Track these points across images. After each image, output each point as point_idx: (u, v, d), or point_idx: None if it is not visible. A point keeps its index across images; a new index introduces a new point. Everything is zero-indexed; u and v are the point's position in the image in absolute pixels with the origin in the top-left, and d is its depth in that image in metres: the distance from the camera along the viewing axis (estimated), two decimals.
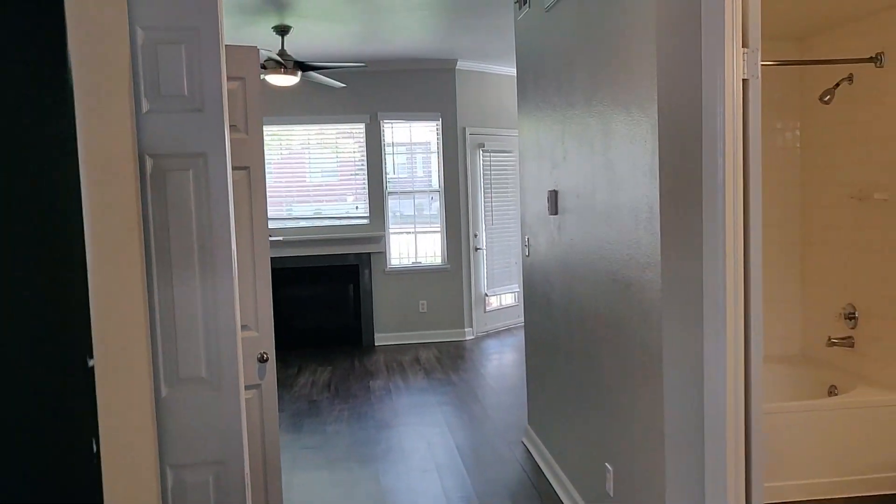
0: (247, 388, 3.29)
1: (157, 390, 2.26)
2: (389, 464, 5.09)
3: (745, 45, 2.70)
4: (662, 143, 2.78)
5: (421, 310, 9.25)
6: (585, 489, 3.97)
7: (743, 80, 2.70)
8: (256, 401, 3.30)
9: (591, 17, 3.58)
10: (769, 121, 5.11)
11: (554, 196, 4.33)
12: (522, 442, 5.43)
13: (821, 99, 4.69)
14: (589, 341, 3.80)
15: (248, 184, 3.13)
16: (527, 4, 4.81)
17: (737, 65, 2.68)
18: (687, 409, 2.87)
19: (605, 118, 3.41)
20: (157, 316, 2.28)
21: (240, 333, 2.45)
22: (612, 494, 3.54)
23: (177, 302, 2.30)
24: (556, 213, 4.34)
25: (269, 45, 7.36)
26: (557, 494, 4.43)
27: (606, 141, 3.41)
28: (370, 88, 8.96)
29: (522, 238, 5.26)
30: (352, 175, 9.09)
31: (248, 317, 3.24)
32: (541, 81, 4.60)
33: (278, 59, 6.71)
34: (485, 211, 9.46)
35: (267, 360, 3.28)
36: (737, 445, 2.82)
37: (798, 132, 5.18)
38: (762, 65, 2.83)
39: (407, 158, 9.31)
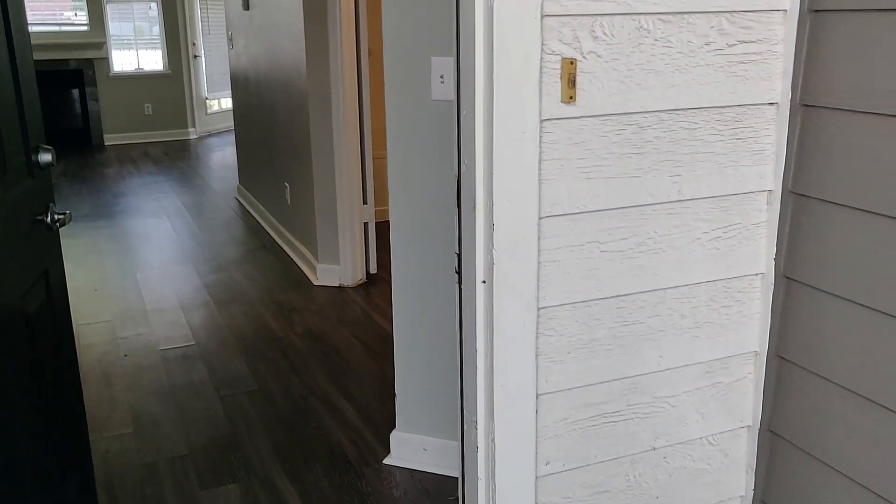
0: None
1: None
2: (127, 216, 6.42)
3: None
4: None
5: (147, 112, 10.20)
6: (274, 207, 5.63)
7: None
8: None
9: None
10: None
11: None
12: (236, 198, 6.96)
13: None
14: (273, 105, 5.33)
15: None
16: None
17: None
18: (323, 143, 4.49)
19: None
20: None
21: None
22: (289, 203, 5.21)
23: None
24: (248, 9, 5.69)
25: None
26: (258, 220, 6.08)
27: None
28: None
29: (227, 33, 6.56)
30: None
31: None
32: None
33: None
34: (201, 21, 10.40)
35: None
36: (354, 172, 4.52)
37: None
38: None
39: None
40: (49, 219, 2.15)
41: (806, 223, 1.68)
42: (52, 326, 2.18)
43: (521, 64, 1.46)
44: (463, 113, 1.55)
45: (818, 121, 1.63)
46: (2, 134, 1.93)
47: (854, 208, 1.56)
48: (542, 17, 1.47)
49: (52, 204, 2.22)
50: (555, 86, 1.51)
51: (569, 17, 1.49)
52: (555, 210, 1.57)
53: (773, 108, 1.70)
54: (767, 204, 1.75)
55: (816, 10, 1.61)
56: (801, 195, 1.68)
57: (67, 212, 2.24)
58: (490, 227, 1.52)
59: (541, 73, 1.49)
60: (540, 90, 1.49)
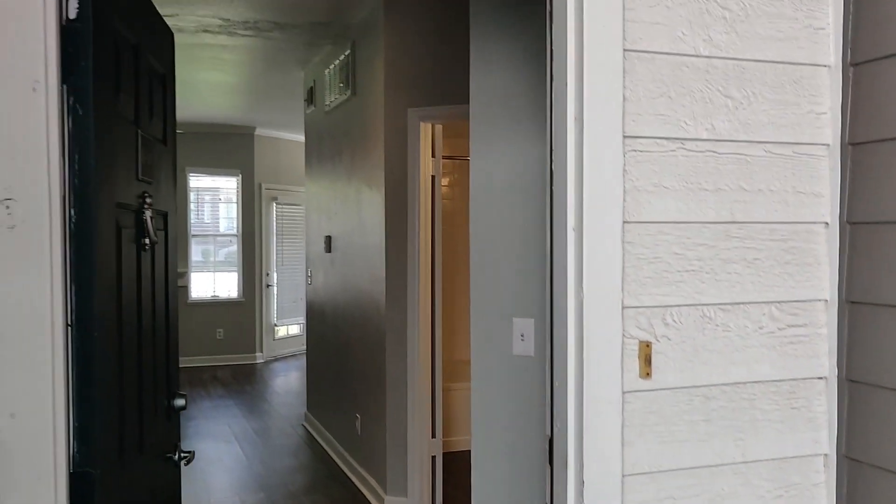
0: None
1: None
2: (199, 439, 6.69)
3: (433, 155, 4.79)
4: (387, 209, 4.79)
5: (218, 337, 10.77)
6: (343, 437, 5.86)
7: (432, 175, 4.78)
8: None
9: (352, 124, 5.59)
10: None
11: (329, 240, 6.26)
12: (303, 424, 7.22)
13: None
14: (349, 339, 5.73)
15: None
16: (313, 104, 6.76)
17: (428, 167, 4.75)
18: (398, 378, 4.83)
19: (359, 188, 5.41)
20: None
21: None
22: (360, 434, 5.45)
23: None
24: (329, 252, 6.26)
25: None
26: (325, 448, 6.29)
27: (359, 203, 5.40)
28: (179, 147, 10.48)
29: (307, 270, 7.14)
30: None
31: None
32: (321, 158, 6.56)
33: None
34: (276, 253, 11.20)
35: None
36: (425, 406, 4.81)
37: None
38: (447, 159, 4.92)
39: (209, 207, 10.90)
40: (177, 456, 2.45)
41: (862, 487, 1.88)
42: None
43: (606, 347, 1.77)
44: (556, 384, 1.84)
45: (865, 395, 1.88)
46: (157, 381, 2.28)
47: None
48: (623, 308, 1.79)
49: (178, 443, 2.52)
50: (634, 364, 1.81)
51: (644, 308, 1.82)
52: (636, 469, 1.81)
53: (822, 381, 1.96)
54: (824, 467, 1.97)
55: (854, 302, 1.91)
56: (855, 460, 1.90)
57: (192, 451, 2.54)
58: (580, 483, 1.76)
59: (622, 353, 1.79)
60: (622, 367, 1.79)
